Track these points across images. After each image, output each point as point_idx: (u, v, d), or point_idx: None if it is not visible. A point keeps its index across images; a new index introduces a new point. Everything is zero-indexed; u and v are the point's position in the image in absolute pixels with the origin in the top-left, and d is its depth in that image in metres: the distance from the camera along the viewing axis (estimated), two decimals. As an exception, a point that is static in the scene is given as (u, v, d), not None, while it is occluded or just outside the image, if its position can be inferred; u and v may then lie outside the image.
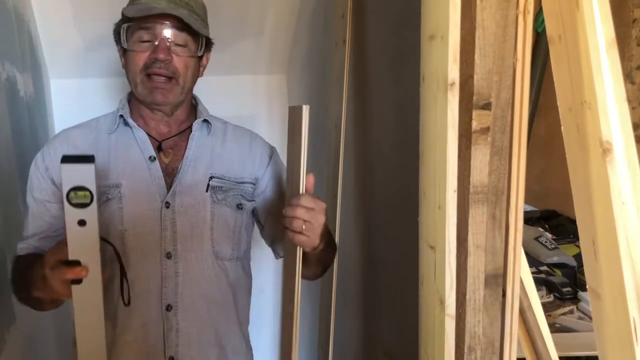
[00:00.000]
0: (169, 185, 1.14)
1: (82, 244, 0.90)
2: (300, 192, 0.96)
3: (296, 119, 0.96)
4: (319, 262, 1.16)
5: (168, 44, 1.10)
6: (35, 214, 1.14)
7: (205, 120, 1.21)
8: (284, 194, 1.24)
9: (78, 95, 2.25)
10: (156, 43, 1.09)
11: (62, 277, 0.90)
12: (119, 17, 1.14)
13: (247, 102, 2.56)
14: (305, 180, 0.97)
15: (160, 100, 1.14)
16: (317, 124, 2.16)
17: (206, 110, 1.24)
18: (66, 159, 0.87)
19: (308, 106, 0.93)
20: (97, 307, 0.97)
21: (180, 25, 1.11)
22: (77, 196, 0.87)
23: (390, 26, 1.44)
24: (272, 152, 1.29)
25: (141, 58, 1.10)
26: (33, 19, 2.00)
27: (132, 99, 1.20)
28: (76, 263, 0.90)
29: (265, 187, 1.25)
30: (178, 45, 1.12)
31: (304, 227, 0.95)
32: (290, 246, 1.01)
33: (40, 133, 2.01)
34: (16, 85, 1.67)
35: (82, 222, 0.89)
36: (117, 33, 1.14)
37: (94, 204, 0.88)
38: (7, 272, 1.38)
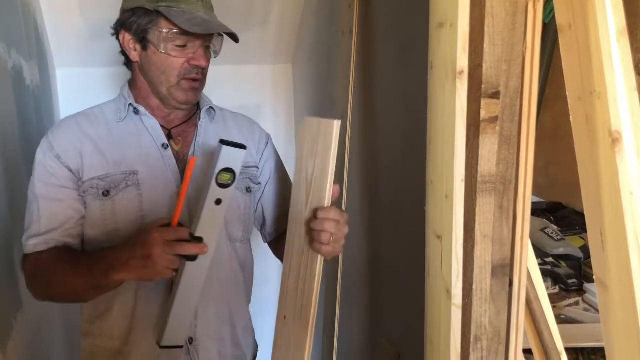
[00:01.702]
0: (181, 172, 1.16)
1: (212, 222, 0.99)
2: (326, 204, 0.98)
3: (322, 131, 0.97)
4: None
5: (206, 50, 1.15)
6: (48, 205, 1.10)
7: (210, 108, 1.25)
8: (277, 180, 1.31)
9: (83, 84, 2.26)
10: (195, 51, 1.13)
11: (184, 252, 0.97)
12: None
13: (253, 92, 2.56)
14: (331, 192, 0.99)
15: (193, 101, 1.18)
16: (323, 114, 2.16)
17: (207, 97, 1.27)
18: (225, 143, 0.96)
19: (339, 121, 0.94)
20: (200, 284, 1.04)
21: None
22: (223, 177, 0.96)
23: (398, 14, 1.43)
24: (268, 138, 1.33)
25: (178, 62, 1.12)
26: (39, 7, 2.00)
27: (134, 88, 1.20)
28: (199, 240, 0.98)
29: (260, 173, 1.29)
30: (207, 47, 1.16)
31: (331, 239, 0.98)
32: (311, 253, 1.03)
33: (46, 121, 2.01)
34: (22, 74, 1.68)
35: (218, 202, 0.98)
36: (131, 24, 1.12)
37: (233, 186, 0.98)
38: (13, 259, 1.39)
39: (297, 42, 2.46)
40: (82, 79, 2.26)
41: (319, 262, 1.01)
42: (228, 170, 0.96)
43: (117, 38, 1.17)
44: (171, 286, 1.11)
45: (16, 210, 1.43)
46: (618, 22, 0.67)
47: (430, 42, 0.81)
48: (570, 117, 0.73)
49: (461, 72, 0.73)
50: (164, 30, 1.10)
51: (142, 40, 1.13)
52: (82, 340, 1.19)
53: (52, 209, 1.11)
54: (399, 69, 1.43)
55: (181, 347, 1.11)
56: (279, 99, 2.61)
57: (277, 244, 1.32)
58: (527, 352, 0.91)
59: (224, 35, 1.18)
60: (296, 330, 1.04)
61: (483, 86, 0.72)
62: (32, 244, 1.11)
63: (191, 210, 1.12)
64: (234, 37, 1.16)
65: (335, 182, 0.99)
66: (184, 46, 1.12)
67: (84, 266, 1.04)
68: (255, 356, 1.35)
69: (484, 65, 0.72)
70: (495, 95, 0.73)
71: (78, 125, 1.15)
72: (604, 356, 0.75)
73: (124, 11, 1.14)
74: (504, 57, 0.72)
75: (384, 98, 1.57)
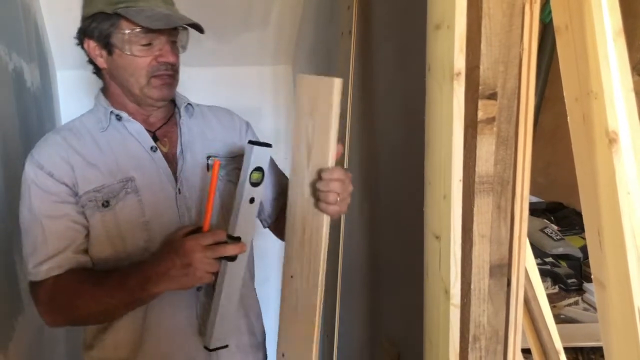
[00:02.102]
0: (173, 172, 1.15)
1: (248, 220, 1.02)
2: (329, 164, 0.99)
3: (322, 90, 0.97)
4: None
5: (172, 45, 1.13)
6: (52, 223, 1.07)
7: (188, 104, 1.23)
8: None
9: (84, 86, 2.26)
10: (162, 47, 1.10)
11: (225, 254, 0.99)
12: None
13: (253, 93, 2.56)
14: (334, 153, 0.99)
15: (168, 97, 1.16)
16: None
17: (182, 94, 1.25)
18: (253, 143, 0.99)
19: (341, 80, 0.94)
20: (240, 282, 1.07)
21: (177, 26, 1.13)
22: (254, 176, 0.99)
23: (396, 15, 1.43)
24: (248, 125, 1.32)
25: (145, 62, 1.10)
26: (40, 9, 2.00)
27: (108, 95, 1.18)
28: (236, 239, 1.00)
29: None
30: (174, 42, 1.14)
31: (337, 199, 0.98)
32: (318, 214, 1.03)
33: (47, 124, 2.01)
34: (23, 76, 1.68)
35: (252, 200, 1.01)
36: (93, 31, 1.11)
37: (263, 184, 1.01)
38: (14, 261, 1.39)
39: (297, 43, 2.46)
40: (82, 81, 2.26)
41: (326, 222, 1.02)
42: (258, 169, 0.99)
43: (82, 47, 1.15)
44: (211, 289, 1.10)
45: (16, 212, 1.44)
46: (614, 23, 0.67)
47: (427, 44, 0.81)
48: (568, 117, 0.74)
49: (458, 74, 0.73)
50: (126, 32, 1.07)
51: (107, 45, 1.10)
52: (84, 353, 1.17)
53: (58, 226, 1.07)
54: (398, 70, 1.44)
55: (227, 346, 1.13)
56: (279, 99, 2.61)
57: (278, 225, 1.31)
58: (526, 351, 0.91)
59: (210, 33, 1.16)
60: (304, 288, 1.05)
61: (480, 87, 0.73)
62: (45, 269, 1.06)
63: (201, 211, 1.12)
64: (199, 28, 1.14)
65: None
66: (149, 44, 1.09)
67: (115, 283, 1.03)
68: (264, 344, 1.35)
69: (481, 66, 0.72)
70: (493, 96, 0.73)
71: (64, 139, 1.12)
72: (603, 356, 0.75)
73: (84, 18, 1.12)
74: (501, 58, 0.73)
75: (382, 99, 1.57)
